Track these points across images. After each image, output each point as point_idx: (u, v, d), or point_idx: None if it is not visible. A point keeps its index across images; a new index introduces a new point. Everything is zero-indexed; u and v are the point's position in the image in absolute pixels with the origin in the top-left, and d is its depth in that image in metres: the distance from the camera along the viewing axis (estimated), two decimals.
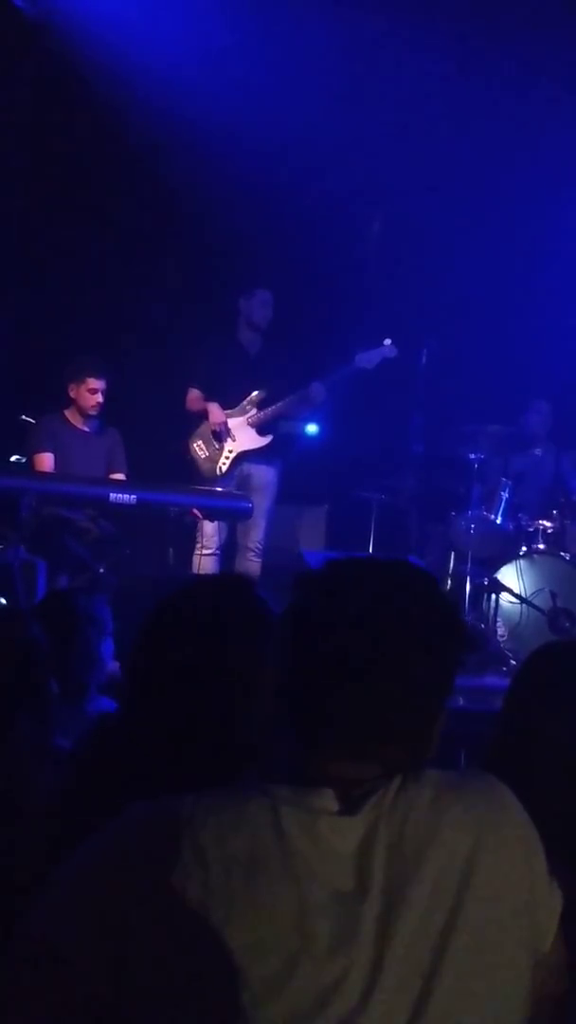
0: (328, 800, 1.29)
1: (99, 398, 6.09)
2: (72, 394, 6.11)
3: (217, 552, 6.39)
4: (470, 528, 6.30)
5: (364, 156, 7.20)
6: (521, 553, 6.21)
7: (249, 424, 6.44)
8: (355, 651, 1.31)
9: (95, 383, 6.07)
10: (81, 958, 1.20)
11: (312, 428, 6.89)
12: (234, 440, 6.42)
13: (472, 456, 6.41)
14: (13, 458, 6.18)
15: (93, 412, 6.13)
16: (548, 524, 6.27)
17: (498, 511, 6.40)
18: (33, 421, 6.25)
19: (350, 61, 6.97)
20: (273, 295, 6.55)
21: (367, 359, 6.41)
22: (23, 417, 6.30)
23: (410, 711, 1.34)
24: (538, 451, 6.83)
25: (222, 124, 6.81)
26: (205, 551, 6.32)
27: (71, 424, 6.19)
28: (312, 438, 7.01)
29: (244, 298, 6.54)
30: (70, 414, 6.18)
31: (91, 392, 6.07)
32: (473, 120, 7.13)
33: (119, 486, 5.89)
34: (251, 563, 6.45)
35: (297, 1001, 1.19)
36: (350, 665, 1.31)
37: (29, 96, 7.05)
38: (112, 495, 5.67)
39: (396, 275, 7.33)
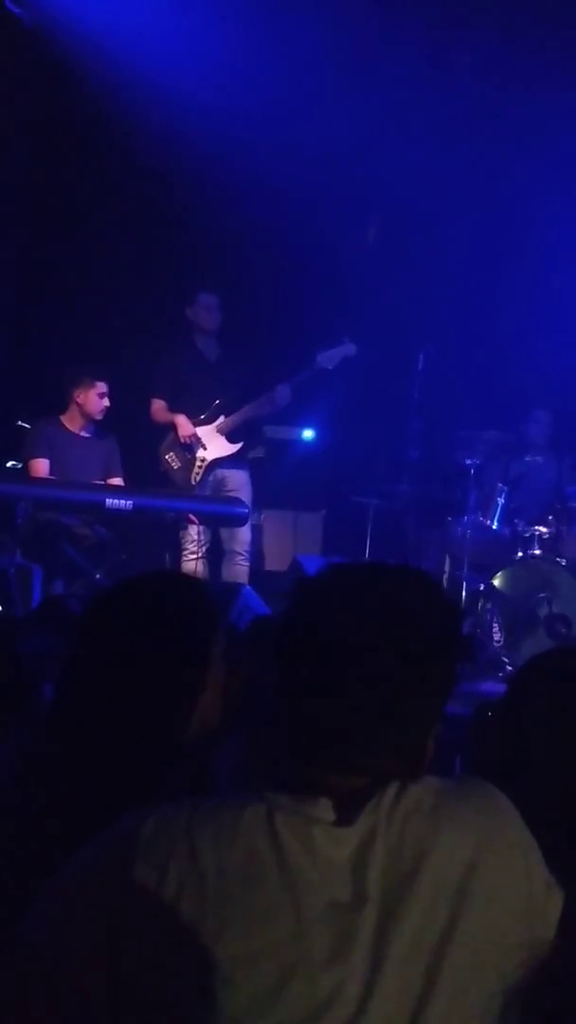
0: (324, 809, 1.29)
1: (107, 402, 6.11)
2: (79, 399, 6.10)
3: (205, 556, 6.37)
4: (466, 533, 6.30)
5: (361, 160, 7.21)
6: (517, 558, 6.21)
7: (218, 432, 6.43)
8: (353, 664, 1.30)
9: (104, 387, 6.08)
10: (75, 967, 1.20)
11: (308, 434, 6.90)
12: (205, 449, 6.42)
13: (468, 462, 6.41)
14: (9, 464, 6.18)
15: (100, 416, 6.14)
16: (544, 529, 6.27)
17: (494, 517, 6.40)
18: (29, 426, 6.25)
19: (346, 63, 6.97)
20: (218, 297, 6.52)
21: (328, 359, 6.42)
22: (19, 423, 6.30)
23: (407, 724, 1.33)
24: (538, 458, 6.83)
25: (217, 127, 6.82)
26: (193, 556, 6.31)
27: (68, 429, 6.18)
28: (309, 444, 7.01)
29: (188, 306, 6.54)
30: (67, 419, 6.18)
31: (100, 396, 6.08)
32: (472, 125, 7.14)
33: (115, 492, 5.89)
34: (240, 567, 6.44)
35: (293, 1012, 1.19)
36: (347, 677, 1.30)
37: (25, 103, 7.06)
38: (108, 500, 5.68)
39: (393, 280, 7.34)
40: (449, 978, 1.23)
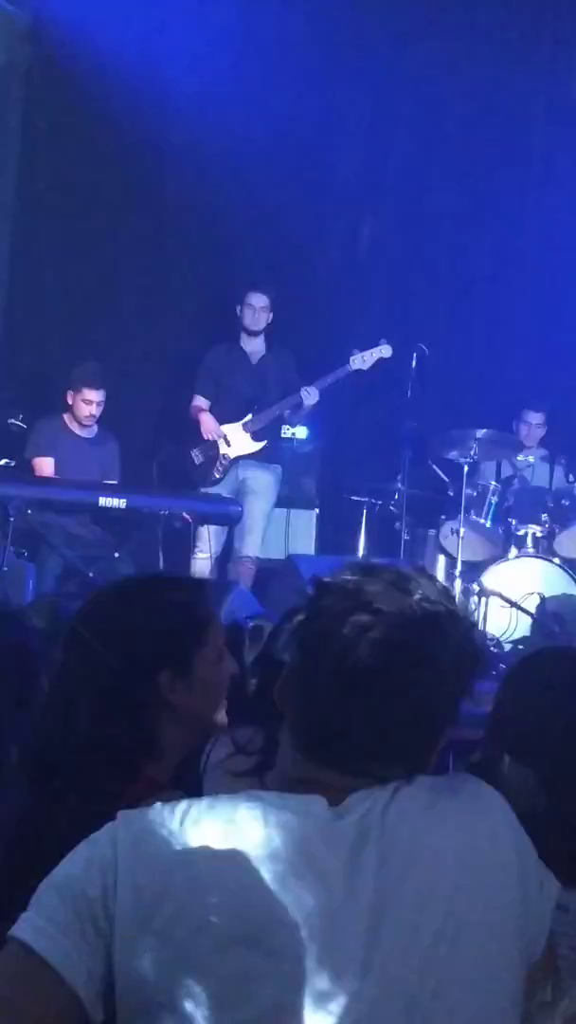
0: (319, 807, 1.28)
1: (92, 410, 6.13)
2: (69, 400, 6.19)
3: (215, 556, 6.38)
4: (460, 532, 6.31)
5: (356, 159, 7.21)
6: (510, 557, 6.22)
7: (245, 430, 6.45)
8: (374, 671, 1.29)
9: (91, 395, 6.11)
10: (68, 970, 1.20)
11: (302, 432, 6.90)
12: (229, 445, 6.44)
13: (462, 460, 6.42)
14: (2, 462, 6.17)
15: (86, 422, 6.19)
16: (538, 528, 6.28)
17: (488, 515, 6.41)
18: (24, 425, 6.25)
19: (345, 65, 6.97)
20: (270, 297, 6.55)
21: (362, 360, 6.43)
22: (11, 421, 6.29)
23: (421, 735, 1.33)
24: (532, 457, 6.84)
25: (215, 126, 6.82)
26: (201, 555, 6.31)
27: (69, 429, 6.24)
28: (303, 442, 7.01)
29: (239, 305, 6.56)
30: (69, 419, 6.24)
31: (85, 403, 6.13)
32: (468, 125, 7.14)
33: (109, 490, 5.89)
34: (246, 568, 6.43)
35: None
36: (367, 685, 1.29)
37: (21, 102, 7.05)
38: (102, 499, 5.68)
39: (387, 279, 7.34)
40: (442, 976, 1.23)
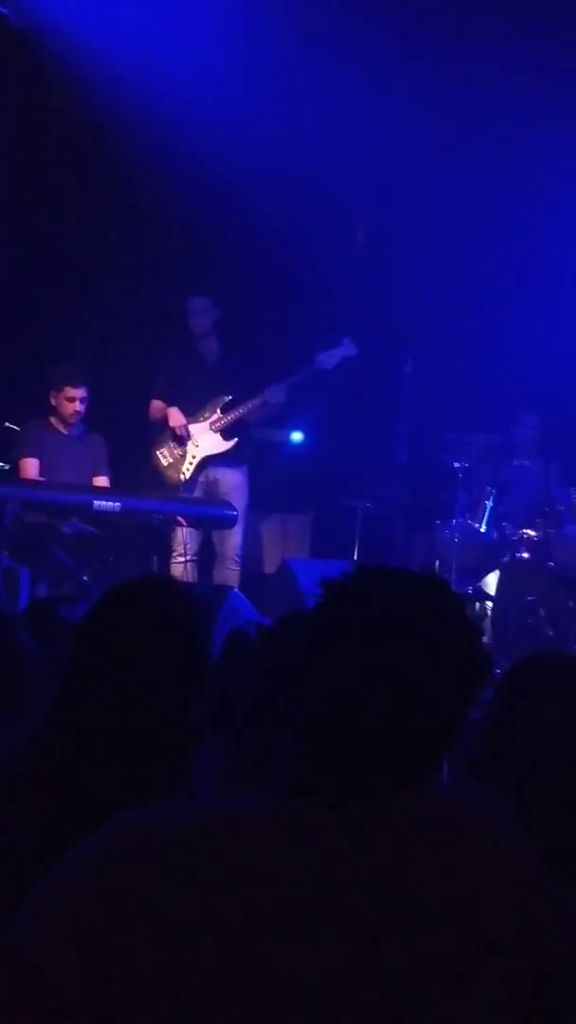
0: (319, 816, 1.27)
1: (77, 407, 6.12)
2: (53, 402, 6.18)
3: (194, 559, 6.36)
4: (454, 537, 6.31)
5: (351, 163, 7.22)
6: (505, 562, 6.22)
7: (212, 429, 6.42)
8: (377, 672, 1.28)
9: (73, 392, 6.10)
10: (62, 976, 1.18)
11: (297, 436, 6.90)
12: (197, 445, 6.39)
13: (457, 465, 6.42)
14: None
15: (72, 420, 6.18)
16: (532, 533, 6.29)
17: (482, 520, 6.41)
18: (17, 428, 6.26)
19: (338, 70, 6.98)
20: (210, 300, 6.52)
21: (327, 359, 6.42)
22: (6, 424, 6.30)
23: (420, 741, 1.32)
24: (526, 461, 6.84)
25: (207, 130, 6.82)
26: (181, 559, 6.29)
27: (55, 430, 6.22)
28: (297, 446, 7.01)
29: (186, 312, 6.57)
30: (54, 420, 6.22)
31: (68, 401, 6.12)
32: (461, 128, 7.15)
33: (103, 493, 5.89)
34: (230, 571, 6.40)
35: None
36: (369, 685, 1.28)
37: (12, 102, 7.05)
38: (96, 502, 5.68)
39: (382, 282, 7.35)
40: (446, 993, 1.22)
